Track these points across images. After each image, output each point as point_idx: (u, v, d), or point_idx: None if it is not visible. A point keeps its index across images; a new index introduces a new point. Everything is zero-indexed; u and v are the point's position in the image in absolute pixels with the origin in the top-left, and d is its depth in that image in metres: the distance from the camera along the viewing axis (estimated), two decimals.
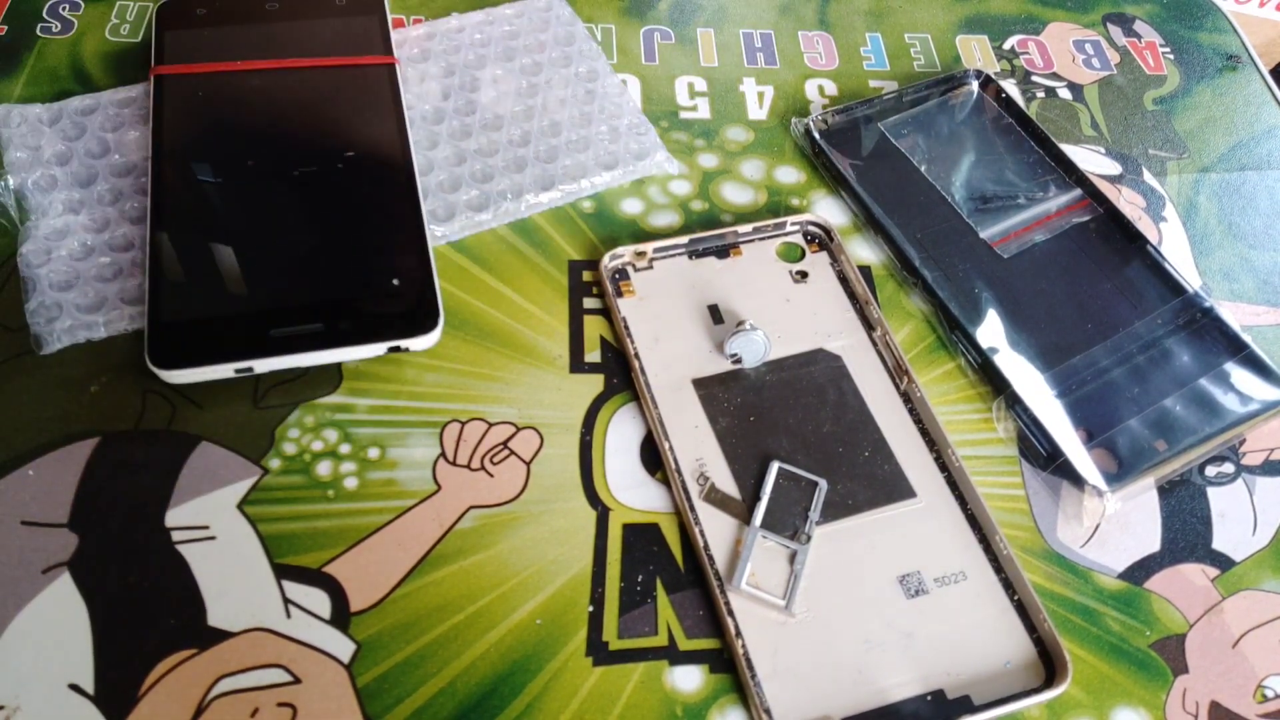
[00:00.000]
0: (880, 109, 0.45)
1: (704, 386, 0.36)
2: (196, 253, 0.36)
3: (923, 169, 0.43)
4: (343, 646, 0.30)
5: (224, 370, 0.33)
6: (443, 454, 0.34)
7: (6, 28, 0.46)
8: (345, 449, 0.34)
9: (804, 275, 0.39)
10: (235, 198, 0.37)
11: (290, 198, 0.37)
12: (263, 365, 0.34)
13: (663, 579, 0.32)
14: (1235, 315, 0.40)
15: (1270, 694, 0.31)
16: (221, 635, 0.30)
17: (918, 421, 0.35)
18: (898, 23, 0.51)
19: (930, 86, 0.46)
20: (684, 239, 0.39)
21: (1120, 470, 0.35)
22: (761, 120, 0.46)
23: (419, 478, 0.34)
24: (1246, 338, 0.38)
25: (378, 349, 0.34)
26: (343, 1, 0.45)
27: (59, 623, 0.30)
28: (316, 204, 0.37)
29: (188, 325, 0.34)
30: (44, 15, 0.46)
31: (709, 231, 0.39)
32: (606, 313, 0.38)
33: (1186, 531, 0.35)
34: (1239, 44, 0.52)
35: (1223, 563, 0.34)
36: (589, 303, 0.38)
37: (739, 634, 0.30)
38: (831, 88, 0.47)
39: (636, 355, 0.36)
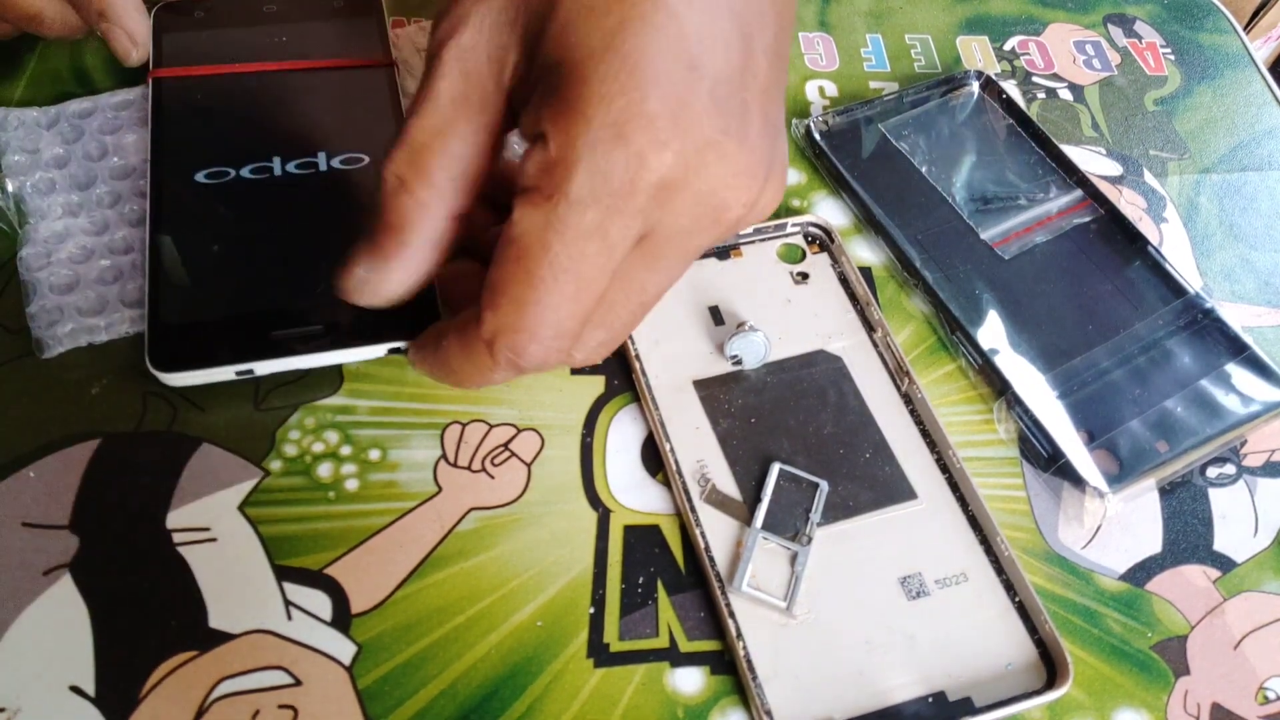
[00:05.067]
0: (881, 110, 0.45)
1: (705, 388, 0.36)
2: (196, 255, 0.35)
3: (923, 170, 0.43)
4: (343, 648, 0.30)
5: (225, 373, 0.33)
6: (444, 455, 0.34)
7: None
8: (346, 450, 0.34)
9: (805, 276, 0.39)
10: (234, 200, 0.37)
11: (289, 200, 0.37)
12: (263, 367, 0.34)
13: (664, 580, 0.32)
14: (1236, 316, 0.39)
15: (1272, 695, 0.31)
16: (222, 637, 0.30)
17: (919, 423, 0.35)
18: (898, 24, 0.51)
19: (931, 87, 0.46)
20: None
21: (1121, 471, 0.35)
22: None
23: (420, 479, 0.34)
24: (1247, 339, 0.38)
25: (378, 350, 0.34)
26: (339, 4, 0.45)
27: (60, 625, 0.30)
28: (316, 206, 0.37)
29: (188, 328, 0.34)
30: None
31: None
32: None
33: (1188, 533, 0.35)
34: (1240, 44, 0.52)
35: (1224, 564, 0.34)
36: None
37: (740, 635, 0.30)
38: (832, 89, 0.47)
39: (637, 356, 0.36)
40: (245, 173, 0.38)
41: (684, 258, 0.27)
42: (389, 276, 0.29)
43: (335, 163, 0.39)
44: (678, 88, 0.23)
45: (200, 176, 0.38)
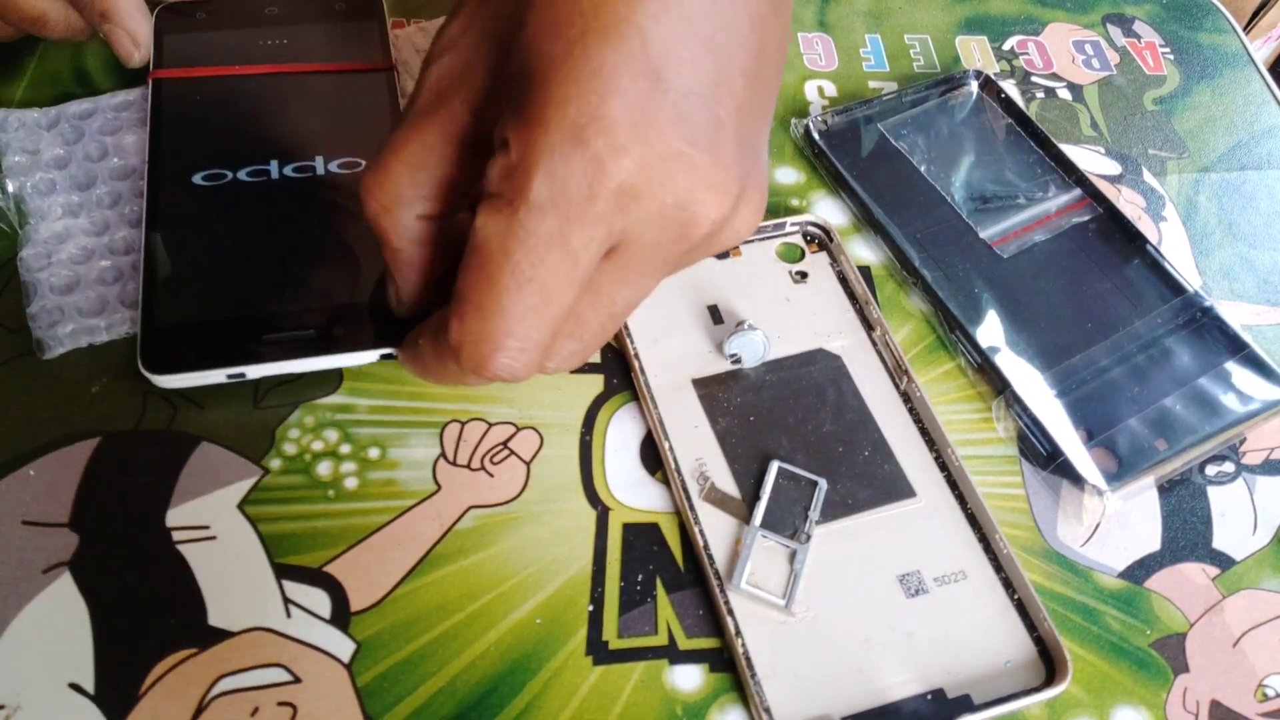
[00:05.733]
0: (880, 109, 0.45)
1: (704, 386, 0.36)
2: (191, 258, 0.35)
3: (922, 169, 0.43)
4: (343, 646, 0.30)
5: (217, 375, 0.33)
6: (443, 454, 0.34)
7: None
8: (345, 449, 0.34)
9: (804, 275, 0.39)
10: (231, 203, 0.37)
11: (286, 203, 0.37)
12: (255, 371, 0.33)
13: (662, 578, 0.32)
14: (1235, 314, 0.39)
15: (1271, 693, 0.31)
16: (222, 635, 0.30)
17: (917, 421, 0.35)
18: (897, 24, 0.51)
19: (930, 87, 0.46)
20: None
21: (1120, 469, 0.35)
22: None
23: (419, 478, 0.34)
24: (1246, 337, 0.38)
25: (370, 356, 0.34)
26: (341, 7, 0.45)
27: (59, 622, 0.30)
28: (313, 210, 0.37)
29: (181, 330, 0.34)
30: None
31: None
32: None
33: (1187, 530, 0.35)
34: (1239, 44, 0.52)
35: (1223, 562, 0.34)
36: None
37: (739, 633, 0.30)
38: (831, 89, 0.47)
39: (636, 355, 0.36)
40: (243, 175, 0.38)
41: (654, 272, 0.27)
42: (393, 284, 0.30)
43: (333, 167, 0.39)
44: (639, 96, 0.23)
45: (198, 178, 0.38)
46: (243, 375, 0.34)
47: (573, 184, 0.23)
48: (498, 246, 0.24)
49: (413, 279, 0.30)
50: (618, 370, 0.37)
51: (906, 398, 0.36)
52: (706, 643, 0.31)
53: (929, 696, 0.30)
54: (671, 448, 0.34)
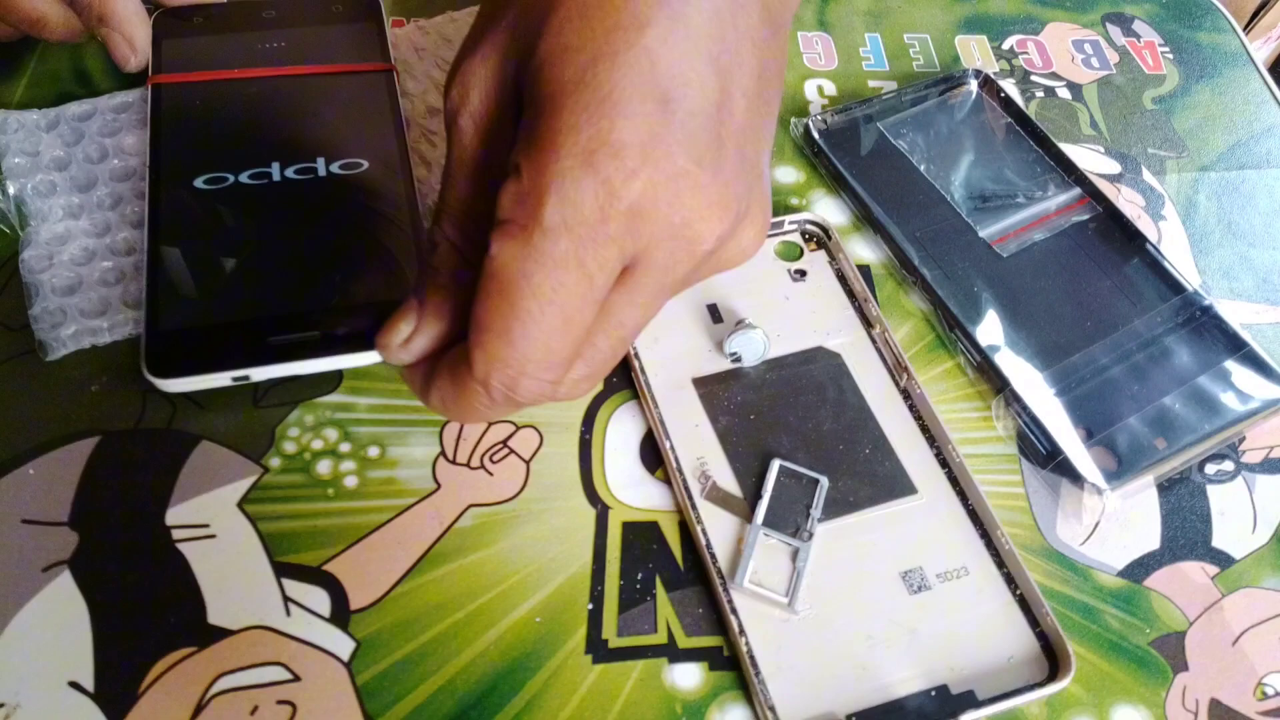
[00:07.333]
0: (880, 109, 0.45)
1: (704, 385, 0.36)
2: (194, 262, 0.35)
3: (922, 168, 0.43)
4: (342, 644, 0.30)
5: (221, 378, 0.33)
6: (442, 452, 0.34)
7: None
8: (345, 448, 0.34)
9: (802, 274, 0.39)
10: (233, 206, 0.37)
11: (288, 205, 0.37)
12: (260, 373, 0.33)
13: (662, 577, 0.32)
14: (1234, 313, 0.40)
15: (1270, 691, 0.31)
16: (221, 633, 0.30)
17: (918, 418, 0.35)
18: (897, 23, 0.51)
19: (929, 86, 0.46)
20: None
21: (1120, 468, 0.35)
22: None
23: (419, 476, 0.34)
24: (1246, 336, 0.38)
25: (375, 357, 0.34)
26: (340, 9, 0.45)
27: (59, 621, 0.30)
28: (315, 212, 0.37)
29: (185, 334, 0.34)
30: None
31: None
32: None
33: (1186, 529, 0.35)
34: (1238, 43, 0.52)
35: (1222, 560, 0.34)
36: None
37: (742, 632, 0.30)
38: (831, 88, 0.48)
39: (636, 354, 0.36)
40: (244, 178, 0.38)
41: (662, 292, 0.27)
42: (431, 329, 0.28)
43: (334, 168, 0.39)
44: (649, 120, 0.23)
45: (199, 182, 0.38)
46: (247, 378, 0.34)
47: (585, 207, 0.23)
48: (516, 270, 0.24)
49: (451, 323, 0.28)
50: (618, 369, 0.37)
51: (906, 395, 0.36)
52: (706, 641, 0.31)
53: (933, 693, 0.30)
54: (672, 447, 0.34)
